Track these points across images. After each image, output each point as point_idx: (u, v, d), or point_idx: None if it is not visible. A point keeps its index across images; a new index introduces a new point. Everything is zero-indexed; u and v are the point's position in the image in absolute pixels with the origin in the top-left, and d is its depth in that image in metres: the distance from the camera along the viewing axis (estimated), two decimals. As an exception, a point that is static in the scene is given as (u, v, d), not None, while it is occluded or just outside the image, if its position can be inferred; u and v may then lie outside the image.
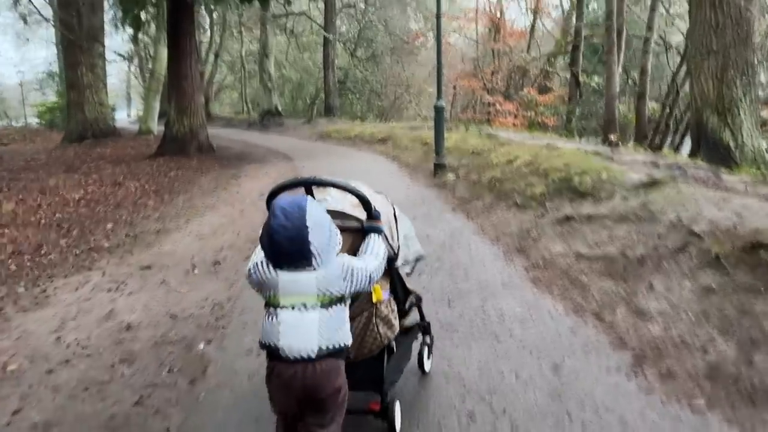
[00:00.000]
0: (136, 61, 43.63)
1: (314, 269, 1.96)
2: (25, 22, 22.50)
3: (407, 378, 3.09)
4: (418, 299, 2.99)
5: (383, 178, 11.08)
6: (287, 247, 1.93)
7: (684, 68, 15.92)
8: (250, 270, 2.09)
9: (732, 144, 8.63)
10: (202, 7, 24.67)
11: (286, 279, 1.98)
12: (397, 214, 2.62)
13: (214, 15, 36.72)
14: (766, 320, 3.28)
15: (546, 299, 4.28)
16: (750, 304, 3.45)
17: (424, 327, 3.22)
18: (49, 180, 12.10)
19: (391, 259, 2.47)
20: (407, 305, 2.79)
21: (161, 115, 24.59)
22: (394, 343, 2.62)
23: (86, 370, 3.57)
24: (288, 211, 1.92)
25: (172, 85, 17.02)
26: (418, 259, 2.79)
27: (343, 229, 2.19)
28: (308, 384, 1.98)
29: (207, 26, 38.30)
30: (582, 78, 19.30)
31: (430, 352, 3.28)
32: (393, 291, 2.60)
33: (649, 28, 16.67)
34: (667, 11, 19.02)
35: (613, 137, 12.06)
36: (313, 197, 2.39)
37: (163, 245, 6.68)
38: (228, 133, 27.03)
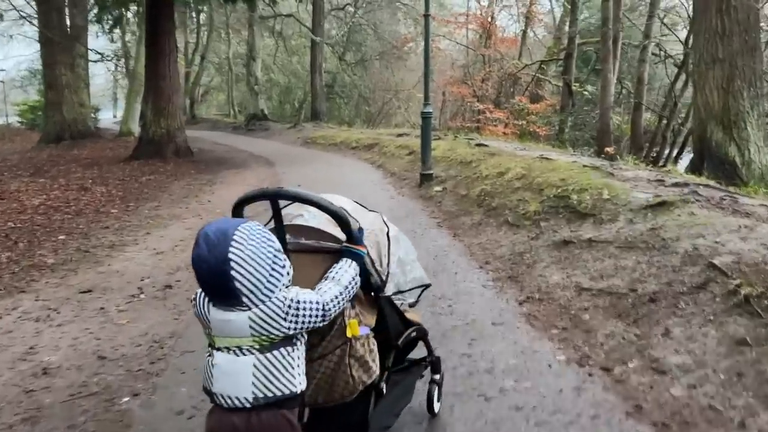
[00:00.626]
0: (123, 61, 42.81)
1: (247, 308, 1.67)
2: (1, 18, 21.64)
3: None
4: (423, 332, 2.61)
5: (366, 187, 10.47)
6: (209, 282, 1.67)
7: (682, 78, 15.43)
8: (193, 300, 1.82)
9: (738, 160, 8.05)
10: (191, 6, 23.95)
11: (218, 318, 1.71)
12: (391, 234, 2.27)
13: (202, 15, 36.23)
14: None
15: (544, 344, 3.62)
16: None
17: (432, 363, 2.81)
18: (12, 184, 11.35)
19: (378, 288, 2.13)
20: (402, 340, 2.41)
21: (143, 116, 23.97)
22: (383, 384, 2.25)
23: (-23, 432, 2.88)
24: (211, 240, 1.63)
25: (149, 85, 16.34)
26: (423, 288, 2.47)
27: (318, 251, 1.99)
28: None
29: (194, 26, 37.66)
30: (574, 87, 18.73)
31: (440, 391, 2.87)
32: (382, 325, 2.21)
33: (646, 35, 16.11)
34: (662, 21, 18.49)
35: (609, 150, 11.49)
36: (278, 212, 2.05)
37: (113, 263, 5.97)
38: (212, 136, 26.43)
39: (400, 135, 16.75)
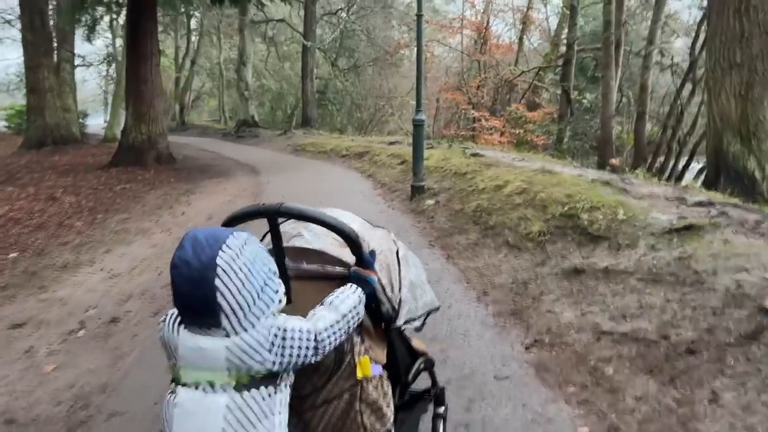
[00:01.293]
0: (114, 65, 42.06)
1: (225, 333, 1.37)
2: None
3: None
4: (430, 363, 2.31)
5: (354, 199, 9.77)
6: (187, 292, 1.35)
7: (689, 85, 14.79)
8: (162, 321, 1.50)
9: (758, 174, 7.38)
10: (176, 9, 23.28)
11: (188, 344, 1.39)
12: (401, 254, 2.00)
13: (192, 20, 35.61)
14: None
15: (560, 409, 2.92)
16: None
17: (437, 395, 2.49)
18: (-25, 192, 10.61)
19: (390, 318, 1.85)
20: (412, 375, 2.13)
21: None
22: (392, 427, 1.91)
23: None
24: (199, 242, 1.37)
25: (129, 89, 15.62)
26: (429, 312, 2.13)
27: (323, 277, 1.74)
28: None
29: (185, 31, 37.03)
30: (573, 95, 18.07)
31: (444, 426, 2.53)
32: (392, 362, 1.93)
33: (650, 41, 15.43)
34: (667, 24, 17.81)
35: (615, 161, 10.81)
36: (276, 232, 1.75)
37: (60, 288, 5.23)
38: (200, 142, 25.75)
39: (392, 143, 16.10)
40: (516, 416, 2.85)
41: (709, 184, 7.74)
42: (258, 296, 1.40)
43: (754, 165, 7.41)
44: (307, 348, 1.47)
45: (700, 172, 15.27)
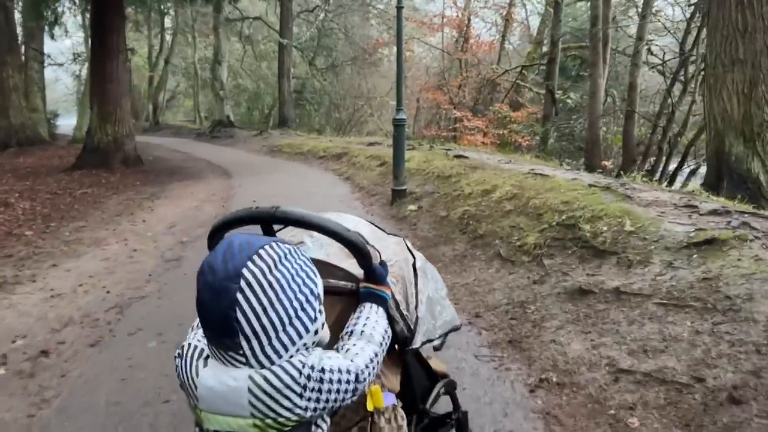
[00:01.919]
0: (87, 64, 41.00)
1: (245, 360, 1.14)
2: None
3: None
4: (452, 386, 2.04)
5: (331, 203, 9.18)
6: (207, 303, 1.13)
7: (678, 84, 14.36)
8: (177, 356, 1.28)
9: (763, 177, 6.89)
10: (146, 5, 22.46)
11: (209, 382, 1.17)
12: (418, 266, 1.72)
13: (166, 18, 34.72)
14: None
15: (580, 480, 2.34)
16: None
17: (459, 420, 2.16)
18: None
19: (405, 339, 1.58)
20: (430, 401, 1.86)
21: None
22: None
23: None
24: (231, 249, 1.16)
25: (94, 88, 14.90)
26: (450, 331, 1.85)
27: (328, 292, 1.37)
28: None
29: (158, 29, 36.14)
30: (557, 94, 17.57)
31: None
32: (408, 388, 1.68)
33: (639, 38, 14.94)
34: (660, 21, 17.30)
35: (607, 163, 10.29)
36: (272, 234, 1.57)
37: (-12, 312, 4.56)
38: (173, 143, 25.02)
39: (371, 144, 15.53)
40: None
41: (709, 188, 7.24)
42: (289, 322, 1.17)
43: (759, 168, 6.93)
44: (347, 391, 1.25)
45: (691, 173, 14.89)
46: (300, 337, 1.19)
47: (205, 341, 1.23)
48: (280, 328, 1.16)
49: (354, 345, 1.35)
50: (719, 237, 3.75)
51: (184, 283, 5.17)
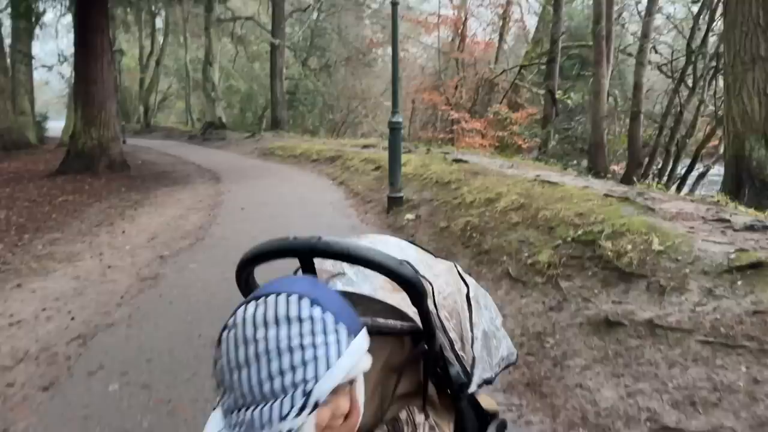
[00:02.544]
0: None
1: None
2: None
3: None
4: (502, 427, 1.59)
5: (324, 211, 8.70)
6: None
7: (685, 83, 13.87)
8: None
9: (788, 184, 6.43)
10: (132, 4, 21.95)
11: None
12: (471, 295, 1.43)
13: (157, 18, 34.17)
14: None
15: None
16: None
17: None
18: None
19: (462, 385, 1.33)
20: None
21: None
22: None
23: None
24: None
25: (78, 90, 14.34)
26: (507, 367, 1.56)
27: (371, 331, 1.08)
28: None
29: (149, 30, 35.58)
30: (558, 95, 17.08)
31: None
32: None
33: (645, 35, 14.47)
34: (668, 18, 16.80)
35: (615, 168, 9.80)
36: (311, 269, 1.33)
37: (-65, 344, 4.04)
38: (163, 146, 24.45)
39: (365, 146, 15.05)
40: None
41: (729, 195, 6.76)
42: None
43: (783, 173, 6.46)
44: None
45: (700, 176, 14.41)
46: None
47: None
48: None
49: None
50: (766, 261, 3.26)
51: (158, 308, 4.66)
